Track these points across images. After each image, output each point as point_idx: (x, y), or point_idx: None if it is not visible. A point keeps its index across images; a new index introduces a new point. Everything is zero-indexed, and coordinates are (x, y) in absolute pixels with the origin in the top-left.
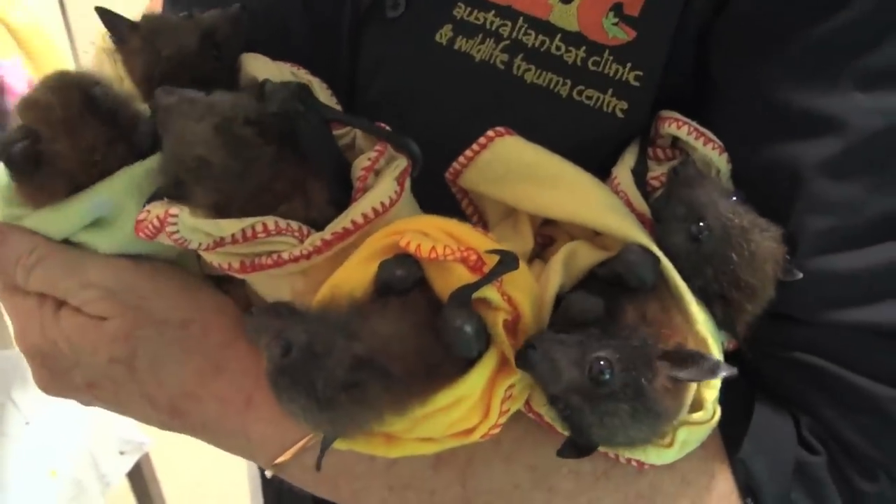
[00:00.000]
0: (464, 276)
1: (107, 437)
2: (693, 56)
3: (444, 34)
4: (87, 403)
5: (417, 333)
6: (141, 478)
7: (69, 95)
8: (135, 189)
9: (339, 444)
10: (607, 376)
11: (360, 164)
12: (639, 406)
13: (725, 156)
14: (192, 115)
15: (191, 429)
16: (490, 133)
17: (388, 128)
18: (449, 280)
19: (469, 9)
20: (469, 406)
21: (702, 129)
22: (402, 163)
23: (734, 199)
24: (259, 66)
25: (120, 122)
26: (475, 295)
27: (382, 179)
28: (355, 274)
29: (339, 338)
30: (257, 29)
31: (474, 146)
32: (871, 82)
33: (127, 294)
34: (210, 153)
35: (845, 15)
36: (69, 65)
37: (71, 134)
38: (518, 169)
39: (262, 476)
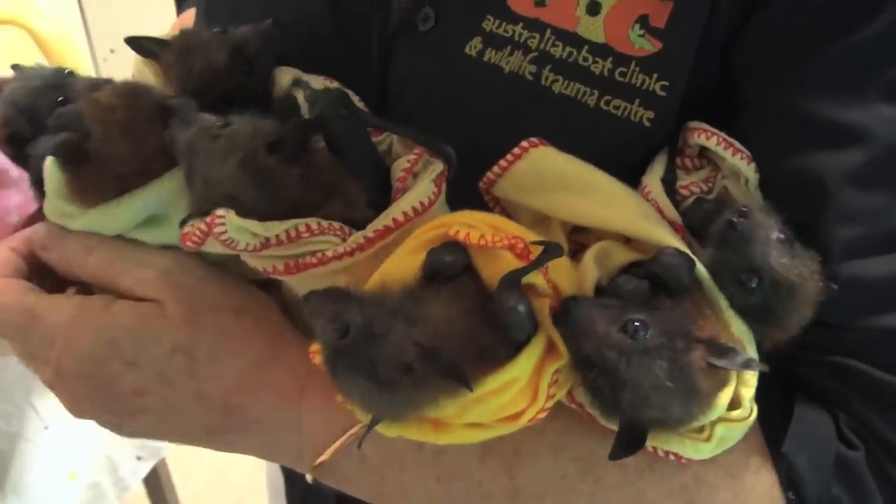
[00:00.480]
0: (511, 263)
1: (124, 442)
2: (718, 64)
3: (473, 46)
4: (117, 427)
5: (468, 318)
6: (157, 483)
7: (137, 102)
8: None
9: (390, 431)
10: (643, 333)
11: (400, 166)
12: (674, 370)
13: (753, 165)
14: (216, 155)
15: (242, 427)
16: (525, 144)
17: (423, 133)
18: (497, 266)
19: (498, 21)
20: (518, 389)
21: (730, 140)
22: (438, 166)
23: (782, 238)
24: (291, 79)
25: None
26: (522, 281)
27: (421, 181)
28: (404, 263)
29: (395, 321)
30: (288, 42)
31: (509, 156)
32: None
33: (183, 275)
34: (239, 190)
35: (872, 28)
36: (90, 72)
37: (132, 138)
38: (552, 178)
39: (287, 480)
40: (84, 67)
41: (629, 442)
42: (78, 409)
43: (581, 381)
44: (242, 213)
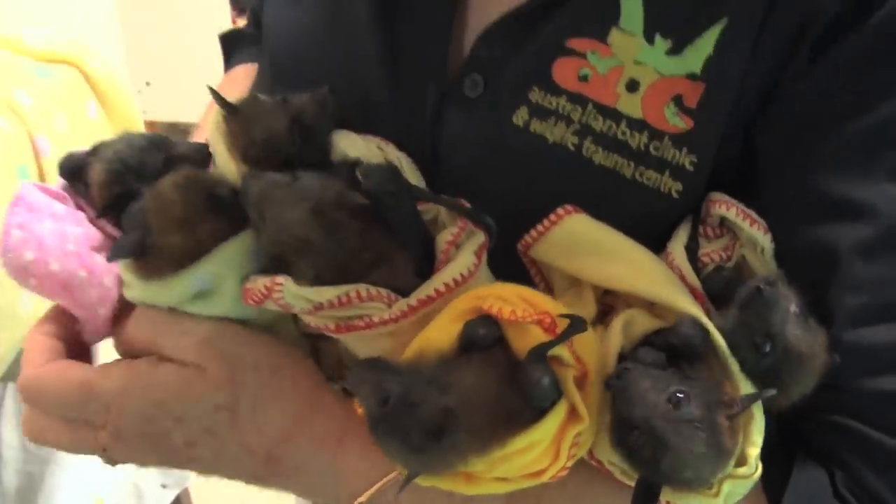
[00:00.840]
0: (539, 336)
1: (150, 469)
2: (742, 142)
3: (520, 116)
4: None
5: (498, 385)
6: None
7: (192, 197)
8: (233, 262)
9: (424, 481)
10: (686, 404)
11: (444, 238)
12: (710, 438)
13: (769, 235)
14: (289, 202)
15: (284, 475)
16: (560, 211)
17: (468, 205)
18: (526, 339)
19: (543, 93)
20: (541, 450)
21: (748, 211)
22: (480, 237)
23: (802, 315)
24: (349, 143)
25: (235, 218)
26: (549, 353)
27: (462, 253)
28: (442, 333)
29: (430, 389)
30: (345, 105)
31: (545, 222)
32: None
33: (221, 341)
34: (310, 234)
35: (881, 112)
36: (134, 109)
37: (186, 230)
38: (584, 244)
39: None
40: (132, 106)
41: (645, 498)
42: (140, 461)
43: (617, 440)
44: (309, 257)
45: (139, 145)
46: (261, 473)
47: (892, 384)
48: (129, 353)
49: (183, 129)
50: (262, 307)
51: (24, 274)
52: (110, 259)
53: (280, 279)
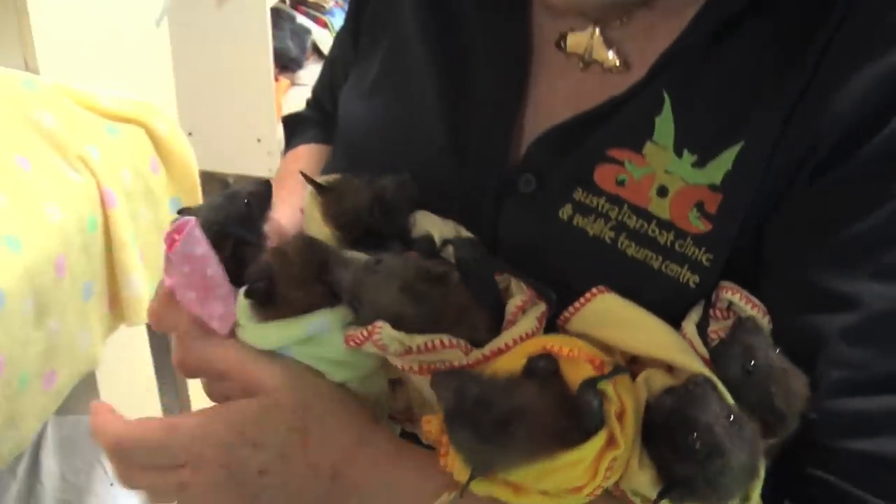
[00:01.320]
0: (590, 372)
1: None
2: (752, 240)
3: (565, 212)
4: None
5: (553, 407)
6: None
7: (311, 259)
8: (339, 320)
9: (478, 488)
10: (742, 426)
11: (514, 303)
12: (752, 458)
13: (768, 318)
14: (380, 285)
15: (346, 491)
16: (594, 290)
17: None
18: (579, 373)
19: (586, 193)
20: (584, 467)
21: (751, 297)
22: (542, 307)
23: (777, 350)
24: (429, 222)
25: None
26: (598, 386)
27: (527, 317)
28: (511, 364)
29: (501, 394)
30: (422, 190)
31: (581, 300)
32: (884, 274)
33: (292, 373)
34: (402, 309)
35: (869, 222)
36: (193, 168)
37: (303, 288)
38: (613, 318)
39: None
40: (192, 166)
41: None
42: (212, 499)
43: (670, 439)
44: (401, 326)
45: (218, 202)
46: (325, 493)
47: (864, 445)
48: (205, 373)
49: (220, 179)
50: (362, 349)
51: (185, 260)
52: (246, 296)
53: (379, 324)
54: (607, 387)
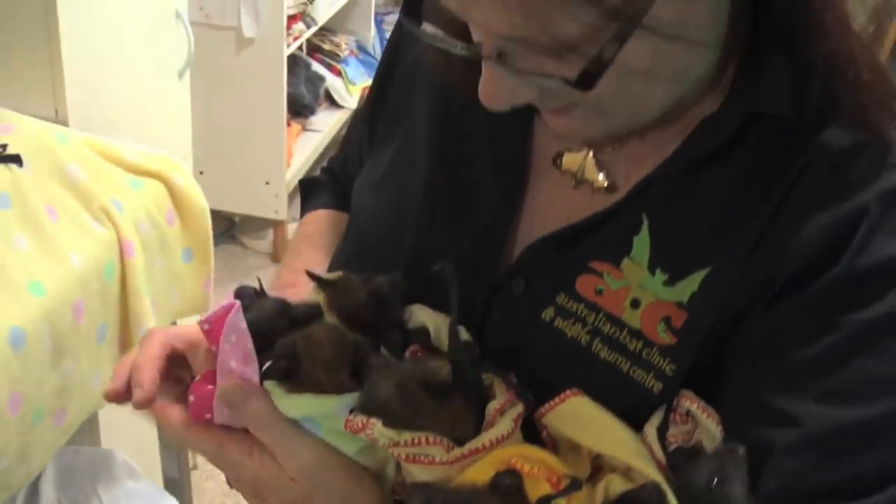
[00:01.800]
0: (547, 489)
1: None
2: (713, 355)
3: (548, 313)
4: None
5: None
6: None
7: (342, 348)
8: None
9: None
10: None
11: (493, 405)
12: None
13: (720, 427)
14: (385, 376)
15: None
16: (568, 392)
17: (515, 381)
18: (538, 490)
19: (567, 298)
20: None
21: (707, 407)
22: (519, 408)
23: (748, 490)
24: (425, 315)
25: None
26: (552, 502)
27: (504, 419)
28: (479, 475)
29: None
30: (418, 283)
31: (556, 399)
32: (824, 398)
33: (315, 469)
34: (391, 401)
35: (815, 349)
36: (207, 223)
37: (331, 373)
38: (583, 419)
39: None
40: (206, 220)
41: None
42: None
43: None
44: (392, 415)
45: (269, 313)
46: None
47: None
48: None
49: (226, 217)
50: (358, 436)
51: (231, 329)
52: (264, 376)
53: (373, 420)
54: (561, 502)
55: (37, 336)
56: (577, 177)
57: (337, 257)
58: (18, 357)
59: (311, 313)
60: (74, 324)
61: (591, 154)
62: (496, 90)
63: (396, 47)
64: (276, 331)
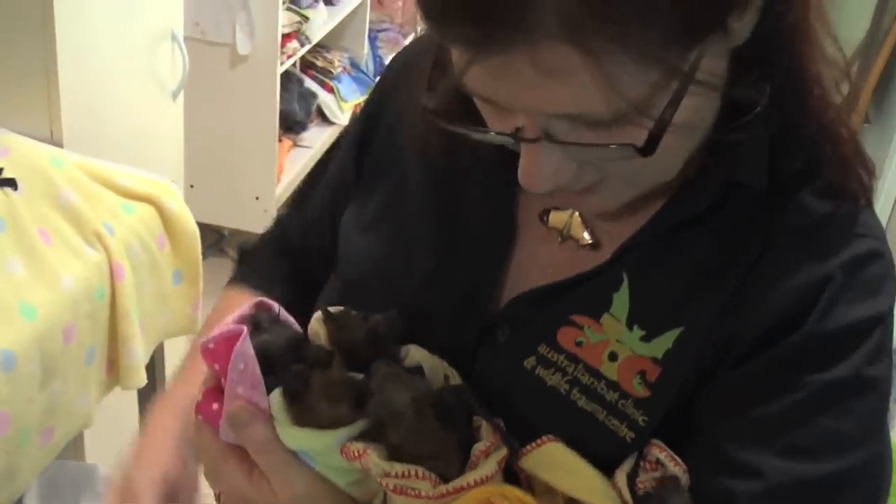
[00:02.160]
0: None
1: None
2: (683, 408)
3: (529, 362)
4: None
5: None
6: None
7: (348, 381)
8: (348, 437)
9: None
10: None
11: (479, 447)
12: None
13: (687, 475)
14: (399, 388)
15: None
16: (544, 438)
17: (502, 426)
18: None
19: (549, 349)
20: None
21: (675, 456)
22: (503, 451)
23: None
24: (421, 356)
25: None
26: None
27: (489, 461)
28: None
29: None
30: (410, 325)
31: (533, 444)
32: (787, 453)
33: (297, 478)
34: (405, 412)
35: (777, 407)
36: (197, 247)
37: (331, 403)
38: (558, 463)
39: None
40: (193, 242)
41: None
42: None
43: None
44: (395, 429)
45: (282, 344)
46: None
47: None
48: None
49: (215, 230)
50: (353, 464)
51: (239, 358)
52: (273, 387)
53: (369, 449)
54: None
55: (27, 358)
56: (564, 233)
57: (327, 294)
58: (8, 378)
59: (321, 359)
60: (64, 346)
61: (577, 213)
62: (541, 172)
63: (381, 100)
64: (282, 362)
